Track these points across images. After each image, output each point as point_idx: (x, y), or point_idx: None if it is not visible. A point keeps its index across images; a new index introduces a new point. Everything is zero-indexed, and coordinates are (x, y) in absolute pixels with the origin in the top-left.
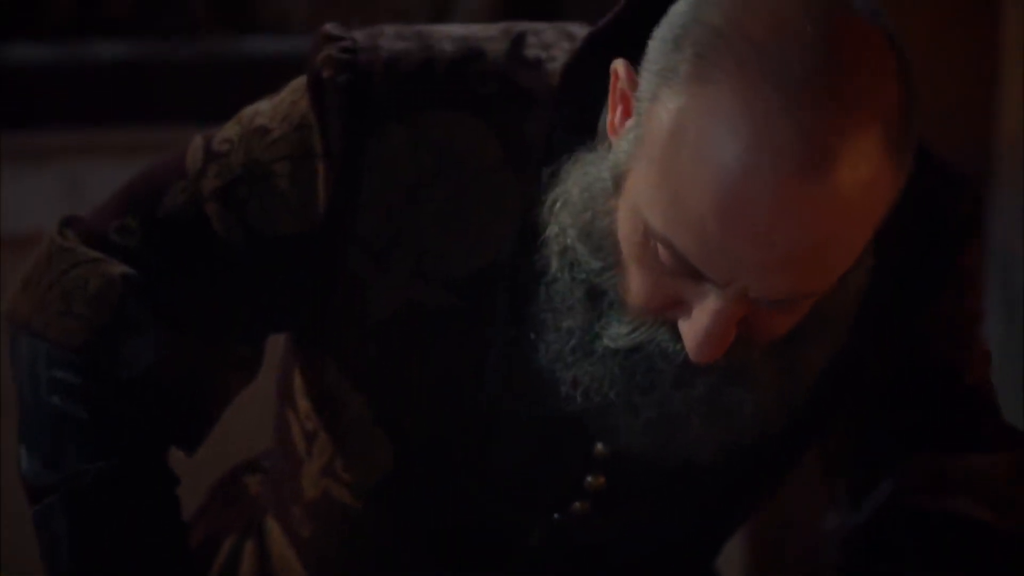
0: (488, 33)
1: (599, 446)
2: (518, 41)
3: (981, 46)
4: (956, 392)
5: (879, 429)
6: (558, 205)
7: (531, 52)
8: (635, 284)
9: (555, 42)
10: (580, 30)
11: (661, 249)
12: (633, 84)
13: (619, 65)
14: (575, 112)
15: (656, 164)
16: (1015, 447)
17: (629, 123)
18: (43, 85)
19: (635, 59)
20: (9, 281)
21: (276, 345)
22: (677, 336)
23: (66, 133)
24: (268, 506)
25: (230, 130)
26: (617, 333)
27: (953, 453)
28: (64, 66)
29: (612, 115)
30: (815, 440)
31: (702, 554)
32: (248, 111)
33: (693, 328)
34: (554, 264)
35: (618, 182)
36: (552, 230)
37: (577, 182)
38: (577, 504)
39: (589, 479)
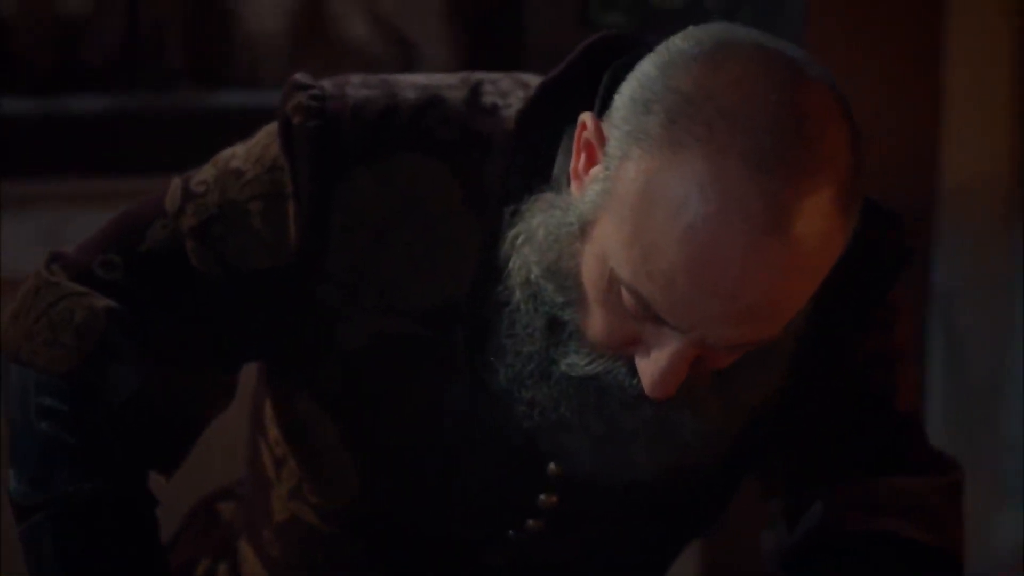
0: (448, 82)
1: (552, 466)
2: (476, 89)
3: (926, 100)
4: (886, 419)
5: (813, 454)
6: (520, 240)
7: (488, 99)
8: (597, 323)
9: (511, 90)
10: (533, 79)
11: (626, 295)
12: (599, 137)
13: (587, 117)
14: (530, 155)
15: (628, 221)
16: (942, 470)
17: (595, 171)
18: (25, 137)
19: (585, 107)
20: None
21: (249, 377)
22: (633, 371)
23: (47, 182)
24: (240, 530)
25: (207, 172)
26: (575, 363)
27: (884, 476)
28: (45, 118)
29: (576, 161)
30: (754, 465)
31: (651, 572)
32: (223, 154)
33: (651, 368)
34: (517, 295)
35: (585, 229)
36: (515, 263)
37: (542, 222)
38: (531, 522)
39: (542, 497)
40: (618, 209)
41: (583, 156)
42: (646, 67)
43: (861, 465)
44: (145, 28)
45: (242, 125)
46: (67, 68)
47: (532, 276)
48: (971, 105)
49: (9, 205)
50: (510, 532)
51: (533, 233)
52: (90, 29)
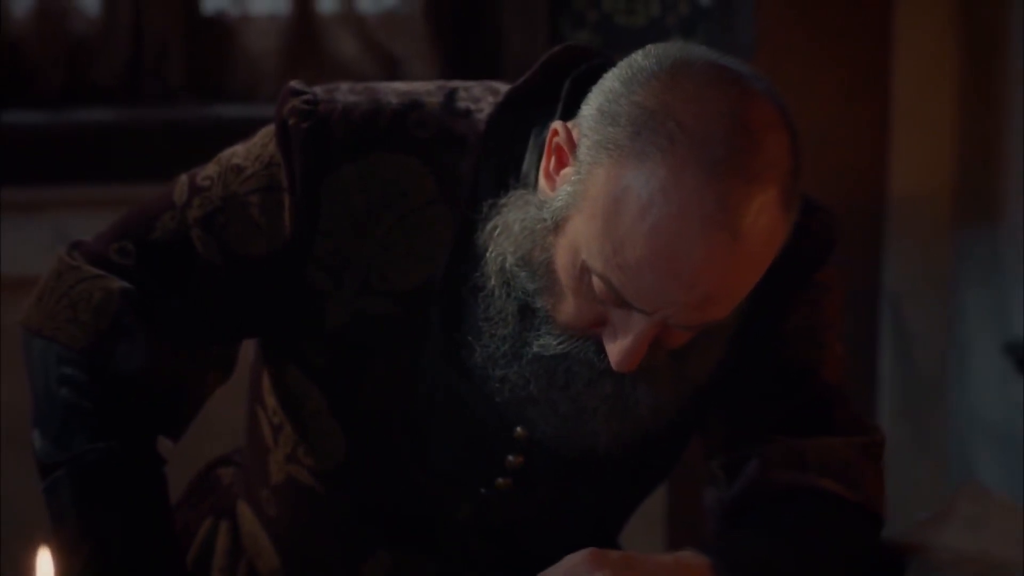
0: (426, 88)
1: (518, 429)
2: (451, 95)
3: (875, 115)
4: (813, 387)
5: (748, 418)
6: (497, 232)
7: (462, 104)
8: (569, 307)
9: (482, 96)
10: (502, 87)
11: (597, 283)
12: (571, 143)
13: (559, 126)
14: (499, 154)
15: (599, 219)
16: (862, 433)
17: (566, 173)
18: (38, 146)
19: (548, 111)
20: (4, 316)
21: (246, 354)
22: (599, 349)
23: (57, 189)
24: (239, 492)
25: (211, 169)
26: (547, 344)
27: (810, 437)
28: (56, 129)
29: (547, 162)
30: (698, 430)
31: (606, 529)
32: (226, 153)
33: (619, 346)
34: (492, 281)
35: (558, 224)
36: (492, 252)
37: (518, 217)
38: (500, 480)
39: (510, 458)
40: (590, 208)
41: (554, 158)
42: (611, 82)
43: (790, 428)
44: (149, 47)
45: (239, 136)
46: (77, 84)
47: (507, 265)
48: (917, 120)
49: (22, 209)
50: (481, 490)
51: (510, 226)
52: (98, 48)
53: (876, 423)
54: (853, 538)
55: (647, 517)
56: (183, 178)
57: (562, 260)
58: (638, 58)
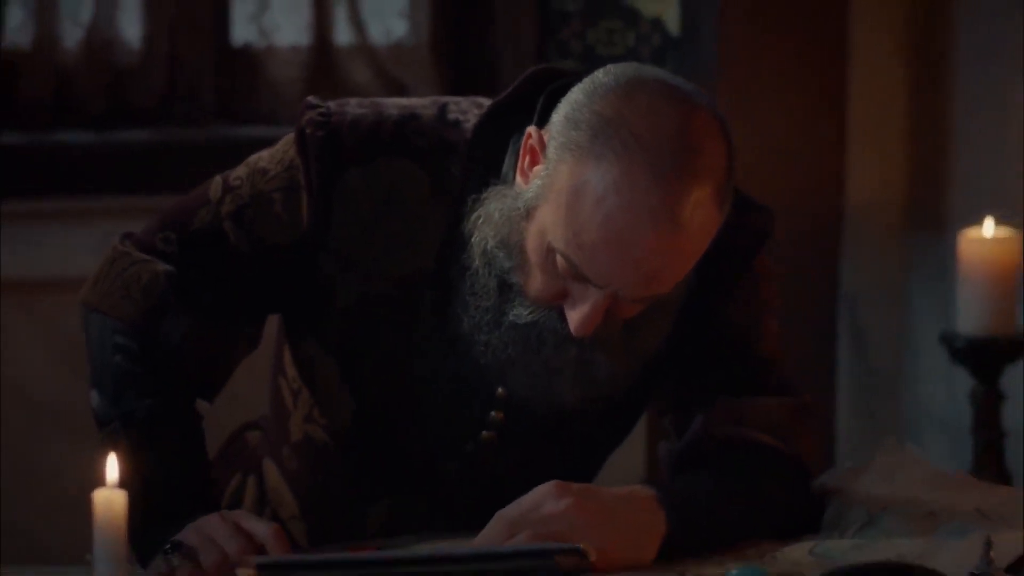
0: (422, 103)
1: (500, 389)
2: (443, 108)
3: (833, 132)
4: (750, 356)
5: (695, 382)
6: (480, 220)
7: (452, 116)
8: (536, 281)
9: (469, 109)
10: (486, 101)
11: (559, 260)
12: (541, 144)
13: (532, 130)
14: (483, 158)
15: (563, 208)
16: (793, 395)
17: (537, 170)
18: (85, 163)
19: (526, 121)
20: (59, 310)
21: (270, 331)
22: (562, 317)
23: (101, 199)
24: (264, 452)
25: (241, 171)
26: (520, 313)
27: (748, 398)
28: (101, 147)
29: (522, 161)
30: (652, 392)
31: (577, 479)
32: (253, 157)
33: (577, 314)
34: (476, 261)
35: (529, 212)
36: (476, 238)
37: (497, 207)
38: (485, 433)
39: (493, 414)
40: (555, 199)
41: (528, 158)
42: (576, 94)
43: (730, 390)
44: (183, 75)
45: None
46: (120, 107)
47: (488, 247)
48: (871, 138)
49: (72, 216)
50: (469, 443)
51: (491, 215)
52: (139, 76)
53: (806, 392)
54: (782, 483)
55: (629, 474)
56: (217, 178)
57: (532, 242)
58: (599, 75)
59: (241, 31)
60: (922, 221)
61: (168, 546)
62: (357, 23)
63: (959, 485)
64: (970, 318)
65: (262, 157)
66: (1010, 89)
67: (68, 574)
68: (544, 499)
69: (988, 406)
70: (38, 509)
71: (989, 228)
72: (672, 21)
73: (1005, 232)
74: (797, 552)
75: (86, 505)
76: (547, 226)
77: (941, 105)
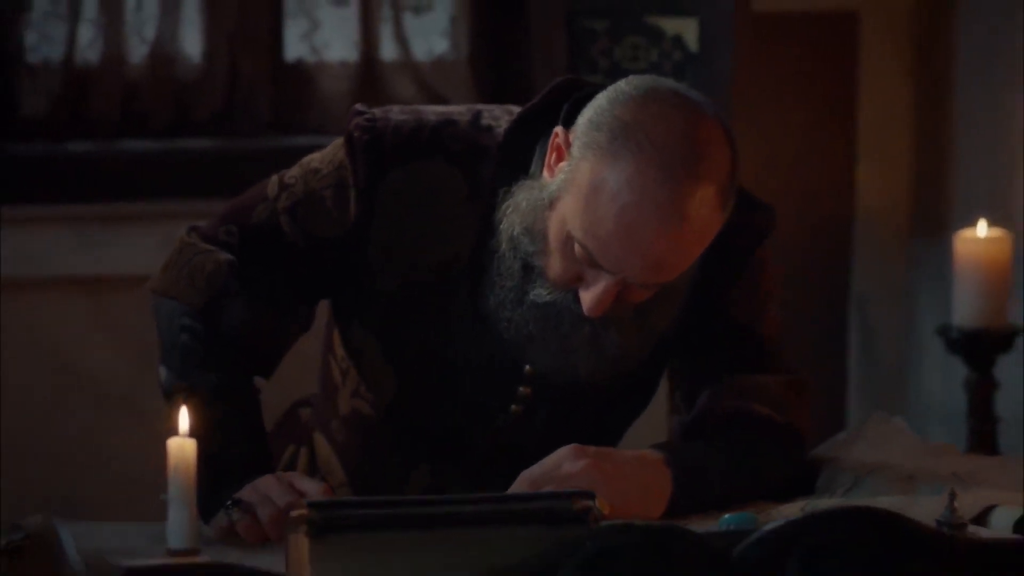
0: (458, 110)
1: (527, 367)
2: (477, 115)
3: (844, 141)
4: (751, 339)
5: (702, 361)
6: (509, 210)
7: (485, 122)
8: (555, 265)
9: (501, 115)
10: (516, 108)
11: (577, 248)
12: (567, 143)
13: (559, 130)
14: (513, 160)
15: (582, 200)
16: (790, 374)
17: (561, 165)
18: (150, 170)
19: (551, 127)
20: (125, 307)
21: (320, 317)
22: (577, 299)
23: (166, 203)
24: (315, 425)
25: (295, 170)
26: (540, 294)
27: (748, 375)
28: (164, 156)
29: (549, 158)
30: (663, 370)
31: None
32: (307, 158)
33: (590, 295)
34: (503, 246)
35: (552, 202)
36: (505, 224)
37: (525, 197)
38: (514, 407)
39: (520, 389)
40: (576, 192)
41: (554, 154)
42: (600, 100)
43: (733, 368)
44: (241, 89)
45: None
46: (182, 119)
47: (515, 232)
48: (879, 148)
49: (137, 219)
50: (499, 415)
51: (518, 204)
52: (200, 89)
53: (803, 371)
54: (778, 450)
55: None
56: (274, 177)
57: (553, 230)
58: (622, 84)
59: (294, 48)
60: (925, 226)
61: (229, 502)
62: (402, 41)
63: (940, 452)
64: (965, 311)
65: (314, 158)
66: (1006, 105)
67: (142, 529)
68: (563, 460)
69: (982, 394)
70: (106, 488)
71: (982, 229)
72: (692, 39)
73: (997, 232)
74: (789, 509)
75: (146, 484)
76: (567, 216)
77: (943, 120)
